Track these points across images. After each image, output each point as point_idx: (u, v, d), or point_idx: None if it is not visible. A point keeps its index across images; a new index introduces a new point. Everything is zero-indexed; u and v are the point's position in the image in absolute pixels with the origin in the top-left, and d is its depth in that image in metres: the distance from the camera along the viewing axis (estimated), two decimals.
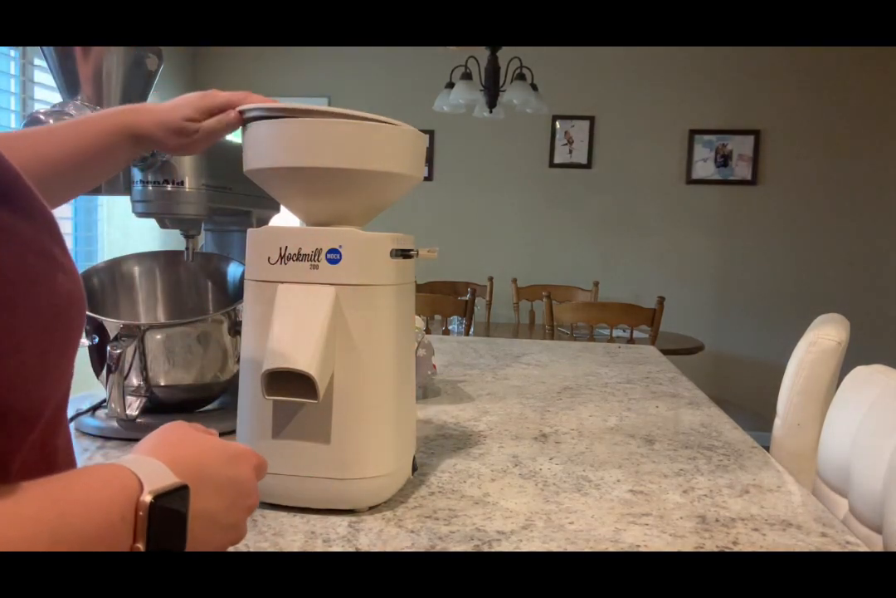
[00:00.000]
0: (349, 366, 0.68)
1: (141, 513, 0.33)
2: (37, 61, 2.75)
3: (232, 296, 1.05)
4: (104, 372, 0.87)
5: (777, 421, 1.46)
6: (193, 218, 0.96)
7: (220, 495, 0.40)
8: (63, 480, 0.33)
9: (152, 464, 0.37)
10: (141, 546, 0.33)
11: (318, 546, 0.61)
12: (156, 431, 0.43)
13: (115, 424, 0.90)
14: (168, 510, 0.35)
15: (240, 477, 0.43)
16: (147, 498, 0.34)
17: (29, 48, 2.70)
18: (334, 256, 0.67)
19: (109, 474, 0.35)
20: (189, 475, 0.38)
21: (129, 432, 0.89)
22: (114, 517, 0.33)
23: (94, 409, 0.95)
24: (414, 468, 0.79)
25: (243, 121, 0.71)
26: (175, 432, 0.43)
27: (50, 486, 0.32)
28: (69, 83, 0.85)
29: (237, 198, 1.02)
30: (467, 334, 2.63)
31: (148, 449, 0.39)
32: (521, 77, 2.82)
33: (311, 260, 0.68)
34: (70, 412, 0.79)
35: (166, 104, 0.69)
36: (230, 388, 0.98)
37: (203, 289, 1.10)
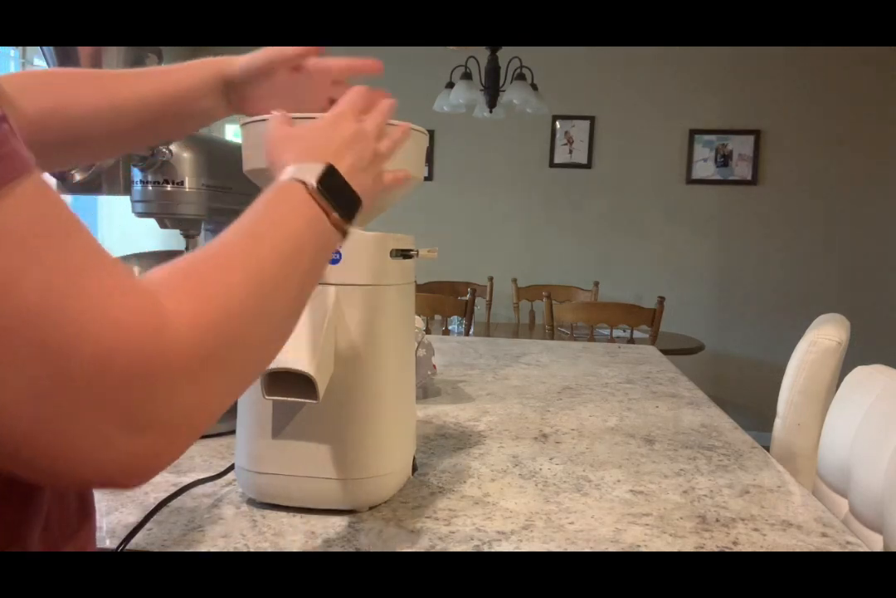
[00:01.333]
0: (349, 366, 0.68)
1: (319, 197, 0.44)
2: (37, 61, 2.75)
3: None
4: None
5: (777, 421, 1.46)
6: (193, 218, 0.96)
7: (347, 152, 0.50)
8: (260, 203, 0.43)
9: (301, 167, 0.46)
10: (336, 215, 0.44)
11: (318, 546, 0.61)
12: (269, 138, 0.52)
13: None
14: (332, 185, 0.45)
15: (347, 132, 0.52)
16: (314, 183, 0.44)
17: (29, 48, 2.70)
18: (334, 256, 0.67)
19: (289, 187, 0.44)
20: (320, 156, 0.47)
21: None
22: (304, 207, 0.43)
23: None
24: (414, 468, 0.79)
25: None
26: (279, 134, 0.52)
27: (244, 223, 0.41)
28: None
29: (237, 198, 1.02)
30: (467, 334, 2.63)
31: (288, 156, 0.48)
32: (521, 77, 2.82)
33: None
34: None
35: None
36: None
37: None
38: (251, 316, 0.35)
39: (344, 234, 0.46)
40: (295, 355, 0.64)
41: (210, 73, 0.62)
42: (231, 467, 0.75)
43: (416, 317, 1.15)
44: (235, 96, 0.64)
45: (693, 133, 3.79)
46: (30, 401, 0.26)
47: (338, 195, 0.46)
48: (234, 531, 0.64)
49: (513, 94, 2.79)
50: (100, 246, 0.30)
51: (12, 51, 2.67)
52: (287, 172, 0.46)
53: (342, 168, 0.48)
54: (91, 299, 0.27)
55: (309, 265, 0.42)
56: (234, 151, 0.91)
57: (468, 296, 2.60)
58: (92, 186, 0.87)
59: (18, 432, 0.26)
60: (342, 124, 0.52)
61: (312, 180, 0.44)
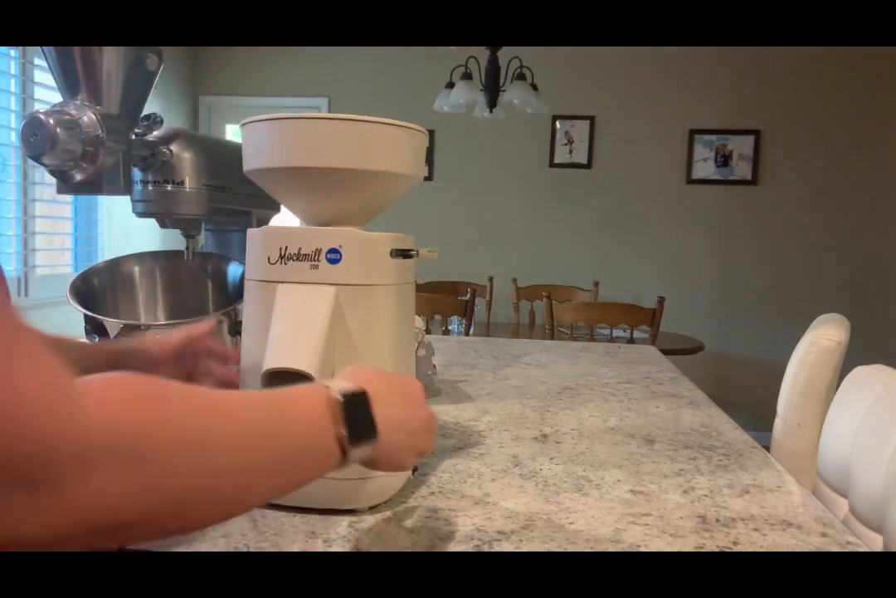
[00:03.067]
0: (349, 366, 0.68)
1: (336, 406, 0.42)
2: (37, 61, 2.75)
3: (232, 296, 1.05)
4: None
5: (777, 421, 1.46)
6: (193, 218, 0.96)
7: (401, 406, 0.49)
8: (263, 392, 0.40)
9: (335, 381, 0.45)
10: (344, 431, 0.41)
11: (318, 546, 0.61)
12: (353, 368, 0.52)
13: None
14: (356, 403, 0.43)
15: (411, 394, 0.52)
16: (338, 396, 0.42)
17: (29, 48, 2.70)
18: (334, 256, 0.67)
19: (304, 388, 0.43)
20: (368, 388, 0.46)
21: None
22: (317, 408, 0.41)
23: None
24: (414, 469, 0.79)
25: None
26: (355, 370, 0.51)
27: (254, 393, 0.39)
28: (69, 83, 0.85)
29: (237, 198, 1.02)
30: (467, 334, 2.63)
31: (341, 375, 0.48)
32: (521, 77, 2.82)
33: (310, 260, 0.68)
34: None
35: None
36: (230, 388, 0.97)
37: (203, 289, 1.10)
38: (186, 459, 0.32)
39: (343, 456, 0.43)
40: (294, 354, 0.64)
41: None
42: None
43: (416, 317, 1.15)
44: None
45: (693, 133, 3.79)
46: None
47: (355, 417, 0.43)
48: (235, 531, 0.64)
49: (513, 94, 2.79)
50: (23, 327, 0.29)
51: (12, 51, 2.67)
52: (331, 380, 0.46)
53: (383, 412, 0.46)
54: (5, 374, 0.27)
55: (290, 470, 0.39)
56: (234, 151, 0.91)
57: (468, 296, 2.60)
58: (92, 186, 0.87)
59: None
60: (415, 399, 0.53)
61: (338, 395, 0.43)
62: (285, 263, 0.68)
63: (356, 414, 0.43)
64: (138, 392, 0.31)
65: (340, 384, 0.44)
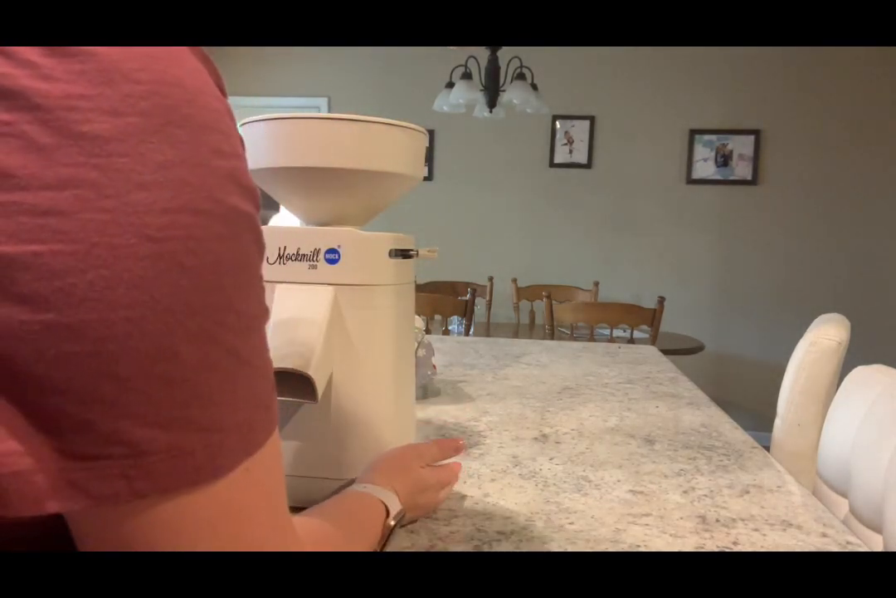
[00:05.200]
0: (348, 366, 0.68)
1: (385, 530, 0.57)
2: None
3: None
4: None
5: (777, 421, 1.46)
6: None
7: (419, 497, 0.65)
8: (346, 505, 0.57)
9: (389, 496, 0.60)
10: (379, 548, 0.56)
11: None
12: (388, 456, 0.66)
13: None
14: (394, 527, 0.58)
15: (426, 499, 0.67)
16: (391, 523, 0.58)
17: None
18: (333, 256, 0.67)
19: (372, 504, 0.58)
20: (403, 501, 0.61)
21: None
22: (375, 530, 0.57)
23: None
24: None
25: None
26: (397, 462, 0.66)
27: (342, 512, 0.55)
28: None
29: None
30: (467, 334, 2.63)
31: (381, 478, 0.62)
32: (521, 77, 2.82)
33: (309, 260, 0.68)
34: None
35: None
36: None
37: None
38: None
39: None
40: (294, 355, 0.64)
41: None
42: None
43: (416, 317, 1.15)
44: None
45: (693, 133, 3.79)
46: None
47: (388, 538, 0.59)
48: None
49: (513, 94, 2.79)
50: (286, 519, 0.36)
51: None
52: (380, 491, 0.60)
53: (408, 509, 0.62)
54: (284, 544, 0.35)
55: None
56: None
57: (468, 296, 2.60)
58: None
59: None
60: (428, 491, 0.67)
61: (392, 520, 0.58)
62: (284, 264, 0.68)
63: (388, 538, 0.58)
64: (323, 546, 0.44)
65: (393, 504, 0.60)
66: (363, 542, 0.54)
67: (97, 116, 0.26)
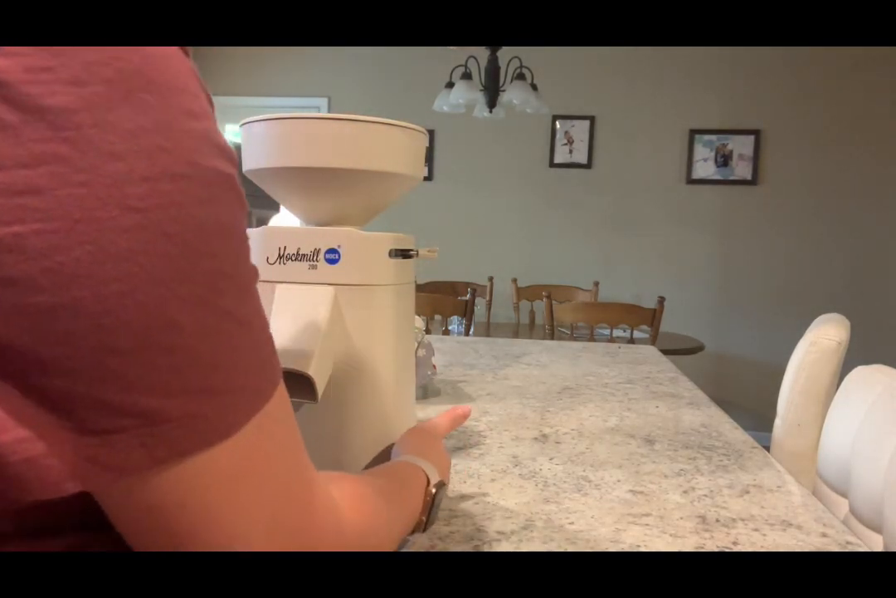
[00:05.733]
0: (348, 366, 0.68)
1: (427, 498, 0.57)
2: None
3: None
4: None
5: (777, 421, 1.46)
6: None
7: (445, 474, 0.64)
8: (397, 473, 0.56)
9: (428, 466, 0.60)
10: (424, 517, 0.57)
11: None
12: (415, 435, 0.67)
13: None
14: (436, 495, 0.58)
15: (448, 468, 0.67)
16: (432, 490, 0.58)
17: None
18: (333, 256, 0.67)
19: (413, 470, 0.58)
20: (441, 471, 0.62)
21: None
22: (418, 494, 0.56)
23: None
24: None
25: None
26: (423, 439, 0.66)
27: (384, 473, 0.55)
28: None
29: None
30: (467, 334, 2.63)
31: (417, 452, 0.62)
32: (521, 77, 2.82)
33: (309, 260, 0.68)
34: None
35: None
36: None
37: None
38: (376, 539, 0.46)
39: (416, 529, 0.57)
40: (294, 355, 0.64)
41: None
42: None
43: (416, 317, 1.15)
44: None
45: (693, 133, 3.79)
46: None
47: (434, 505, 0.59)
48: None
49: (513, 94, 2.79)
50: (305, 463, 0.37)
51: None
52: (419, 460, 0.60)
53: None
54: (311, 515, 0.37)
55: (404, 526, 0.54)
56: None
57: (468, 296, 2.60)
58: None
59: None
60: (447, 466, 0.67)
61: (432, 488, 0.58)
62: (284, 264, 0.68)
63: (432, 506, 0.58)
64: (365, 511, 0.44)
65: (434, 474, 0.60)
66: (404, 502, 0.54)
67: (60, 87, 0.25)
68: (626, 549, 0.63)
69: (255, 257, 0.70)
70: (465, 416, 0.75)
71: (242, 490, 0.32)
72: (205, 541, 0.31)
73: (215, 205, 0.30)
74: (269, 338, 0.34)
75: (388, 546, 0.49)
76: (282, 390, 0.35)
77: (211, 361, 0.29)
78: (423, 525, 0.57)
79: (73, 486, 0.28)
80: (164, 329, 0.28)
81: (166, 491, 0.30)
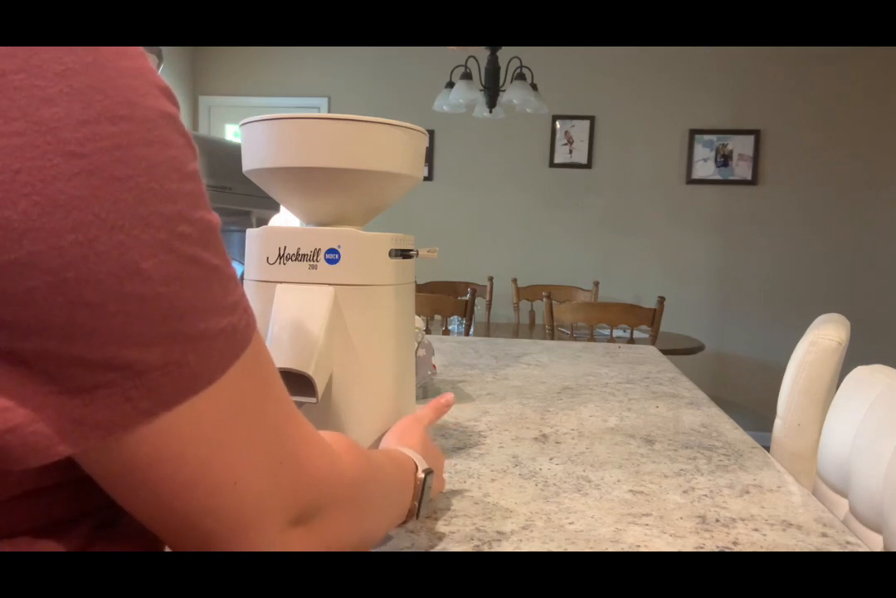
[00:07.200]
0: (348, 366, 0.68)
1: (418, 482, 0.56)
2: None
3: None
4: None
5: (777, 421, 1.46)
6: None
7: (434, 464, 0.63)
8: (388, 454, 0.55)
9: (414, 454, 0.59)
10: (416, 503, 0.56)
11: None
12: (399, 427, 0.67)
13: None
14: (424, 481, 0.57)
15: (437, 464, 0.66)
16: (421, 474, 0.57)
17: None
18: (333, 256, 0.67)
19: (402, 456, 0.57)
20: (427, 460, 0.61)
21: None
22: (408, 472, 0.56)
23: None
24: None
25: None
26: (405, 430, 0.66)
27: (388, 458, 0.54)
28: None
29: (237, 198, 1.02)
30: (467, 334, 2.63)
31: (402, 442, 0.63)
32: (521, 77, 2.82)
33: (309, 260, 0.68)
34: None
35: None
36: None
37: None
38: (368, 494, 0.45)
39: (407, 518, 0.57)
40: (293, 355, 0.64)
41: None
42: None
43: (416, 317, 1.15)
44: None
45: (693, 133, 3.79)
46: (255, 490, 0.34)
47: (422, 490, 0.58)
48: None
49: (513, 94, 2.79)
50: (292, 403, 0.37)
51: None
52: (405, 449, 0.60)
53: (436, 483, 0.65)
54: (309, 449, 0.37)
55: (395, 515, 0.53)
56: (234, 151, 0.91)
57: (468, 296, 2.60)
58: None
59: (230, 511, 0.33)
60: (438, 457, 0.68)
61: (421, 473, 0.58)
62: (284, 264, 0.68)
63: (422, 492, 0.57)
64: (359, 456, 0.44)
65: (420, 461, 0.59)
66: (398, 477, 0.53)
67: None
68: (626, 549, 0.62)
69: (255, 257, 0.70)
70: (449, 405, 0.75)
71: (236, 434, 0.32)
72: (206, 490, 0.31)
73: (163, 146, 0.28)
74: (238, 283, 0.33)
75: (386, 510, 0.49)
76: (258, 335, 0.34)
77: (184, 307, 0.28)
78: (415, 511, 0.56)
79: (65, 449, 0.27)
80: (131, 278, 0.27)
81: (159, 445, 0.29)
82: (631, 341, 2.69)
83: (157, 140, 0.28)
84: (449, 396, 0.76)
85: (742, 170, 3.77)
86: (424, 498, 0.57)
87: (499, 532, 0.65)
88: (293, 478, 0.35)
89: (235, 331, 0.31)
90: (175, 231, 0.28)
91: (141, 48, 0.29)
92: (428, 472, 0.58)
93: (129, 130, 0.27)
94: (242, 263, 0.86)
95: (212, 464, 0.31)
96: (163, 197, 0.28)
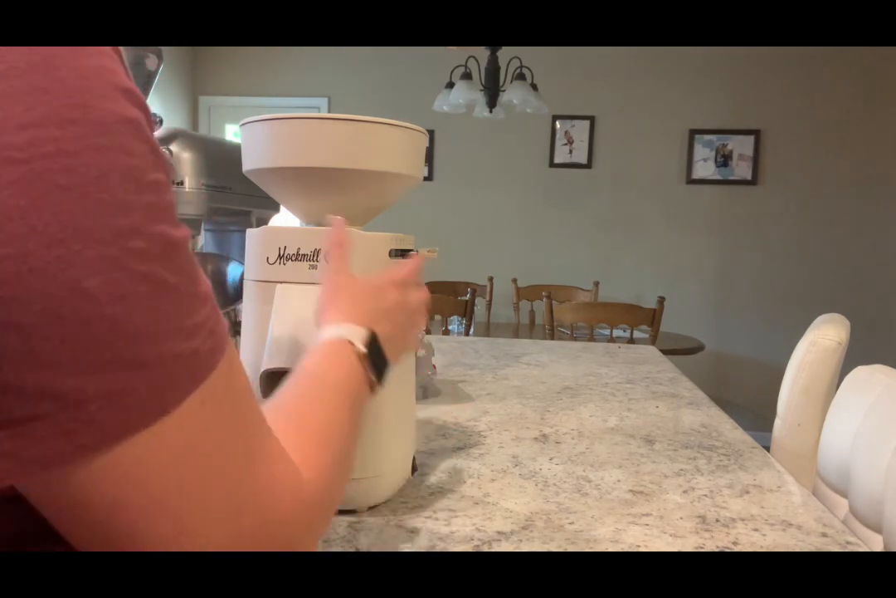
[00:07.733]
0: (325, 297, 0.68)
1: (360, 360, 0.50)
2: None
3: (232, 296, 1.05)
4: None
5: (777, 421, 1.46)
6: (193, 218, 0.96)
7: (386, 320, 0.56)
8: (318, 357, 0.50)
9: (350, 329, 0.52)
10: (372, 376, 0.51)
11: (318, 546, 0.61)
12: (323, 304, 0.57)
13: None
14: (372, 348, 0.52)
15: (388, 304, 0.58)
16: (363, 350, 0.51)
17: None
18: None
19: (333, 348, 0.50)
20: (365, 321, 0.54)
21: None
22: (354, 374, 0.49)
23: None
24: (414, 469, 0.79)
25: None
26: (338, 295, 0.58)
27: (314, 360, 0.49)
28: None
29: (237, 198, 1.02)
30: (467, 334, 2.63)
31: (336, 315, 0.54)
32: (521, 77, 2.82)
33: (309, 260, 0.68)
34: None
35: None
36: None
37: None
38: (337, 481, 0.42)
39: (373, 392, 0.53)
40: (294, 355, 0.64)
41: None
42: None
43: None
44: None
45: (693, 133, 3.79)
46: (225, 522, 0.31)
47: (376, 361, 0.52)
48: None
49: (513, 94, 2.79)
50: (262, 416, 0.34)
51: None
52: (335, 330, 0.52)
53: (380, 335, 0.54)
54: (265, 468, 0.33)
55: (357, 420, 0.49)
56: (234, 151, 0.91)
57: (468, 296, 2.60)
58: None
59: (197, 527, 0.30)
60: (387, 294, 0.59)
61: (361, 346, 0.51)
62: (284, 264, 0.68)
63: (377, 362, 0.52)
64: (315, 453, 0.40)
65: (356, 335, 0.52)
66: (340, 402, 0.47)
67: None
68: (626, 549, 0.62)
69: (255, 257, 0.70)
70: (422, 259, 0.68)
71: (189, 476, 0.29)
72: (150, 538, 0.28)
73: (119, 153, 0.26)
74: (207, 301, 0.30)
75: (350, 430, 0.46)
76: (231, 358, 0.31)
77: (133, 330, 0.26)
78: (376, 384, 0.52)
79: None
80: (72, 298, 0.24)
81: (99, 484, 0.27)
82: (631, 341, 2.69)
83: (112, 146, 0.26)
84: (423, 254, 0.69)
85: (742, 170, 3.77)
86: (378, 364, 0.52)
87: (499, 532, 0.65)
88: (252, 526, 0.31)
89: (196, 356, 0.28)
90: (126, 247, 0.25)
91: (105, 47, 0.27)
92: (370, 339, 0.52)
93: (79, 135, 0.25)
94: (243, 264, 0.86)
95: (157, 510, 0.28)
96: (114, 209, 0.25)
